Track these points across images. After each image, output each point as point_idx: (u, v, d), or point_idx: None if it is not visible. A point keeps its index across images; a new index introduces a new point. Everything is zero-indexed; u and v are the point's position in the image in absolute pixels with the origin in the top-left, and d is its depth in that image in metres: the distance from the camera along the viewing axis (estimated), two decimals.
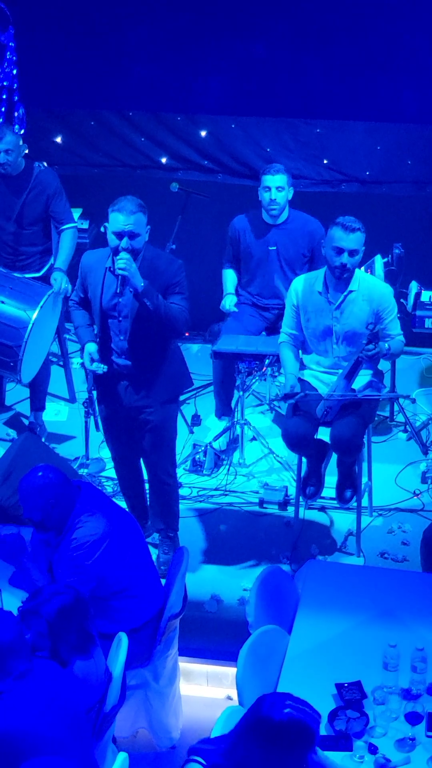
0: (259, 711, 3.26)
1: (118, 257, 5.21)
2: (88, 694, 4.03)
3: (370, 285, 5.70)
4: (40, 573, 4.60)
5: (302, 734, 3.24)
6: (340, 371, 5.66)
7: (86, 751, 3.78)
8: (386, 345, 5.58)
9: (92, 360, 5.45)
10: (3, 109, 7.36)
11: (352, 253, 5.52)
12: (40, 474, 4.55)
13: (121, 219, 5.21)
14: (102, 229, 5.33)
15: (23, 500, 4.55)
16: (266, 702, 3.27)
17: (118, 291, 5.27)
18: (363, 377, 5.74)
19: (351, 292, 5.65)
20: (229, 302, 6.79)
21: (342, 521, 6.23)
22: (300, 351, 5.90)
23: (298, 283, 5.81)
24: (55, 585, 4.20)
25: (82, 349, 5.54)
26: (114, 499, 5.23)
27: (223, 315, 6.93)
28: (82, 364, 5.63)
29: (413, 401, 7.22)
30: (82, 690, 3.92)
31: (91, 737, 3.91)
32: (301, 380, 5.81)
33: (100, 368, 5.44)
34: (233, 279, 6.88)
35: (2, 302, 6.29)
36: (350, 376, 5.59)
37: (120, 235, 5.21)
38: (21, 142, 6.59)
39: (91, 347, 5.47)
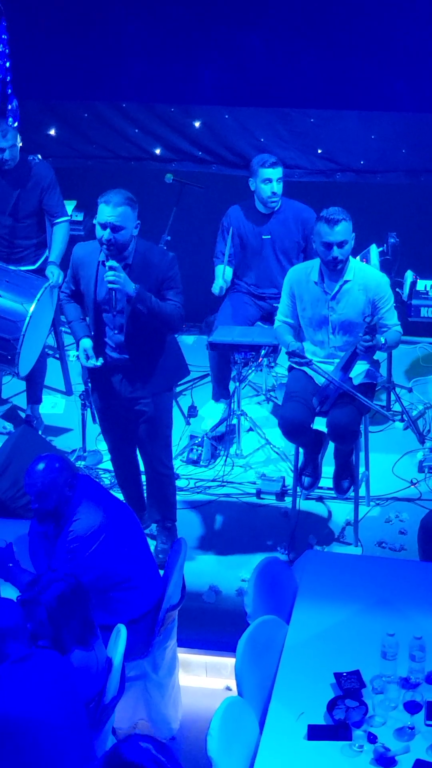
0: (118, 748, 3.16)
1: (105, 274, 5.19)
2: (88, 685, 4.04)
3: (366, 274, 5.70)
4: (37, 570, 4.61)
5: None
6: (337, 361, 5.66)
7: (85, 742, 3.78)
8: (382, 339, 5.58)
9: (87, 357, 5.44)
10: None
11: (340, 244, 5.52)
12: (47, 462, 4.57)
13: (106, 211, 5.20)
14: (94, 221, 5.33)
15: (34, 489, 4.54)
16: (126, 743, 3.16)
17: (106, 308, 5.29)
18: (359, 366, 5.75)
19: (346, 282, 5.65)
20: (217, 288, 6.75)
21: (339, 511, 6.24)
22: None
23: (294, 272, 5.81)
24: (53, 573, 4.20)
25: (77, 344, 5.53)
26: (111, 491, 5.24)
27: (218, 306, 6.93)
28: (78, 357, 5.63)
29: (410, 391, 7.23)
30: (82, 680, 3.93)
31: (90, 728, 3.92)
32: (295, 369, 5.83)
33: (96, 364, 5.43)
34: (225, 272, 6.83)
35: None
36: (347, 367, 5.59)
37: (104, 226, 5.21)
38: (18, 137, 6.59)
39: (86, 343, 5.45)
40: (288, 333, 5.82)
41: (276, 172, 6.63)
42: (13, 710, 3.62)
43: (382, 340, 5.57)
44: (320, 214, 5.58)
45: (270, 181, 6.62)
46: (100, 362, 5.43)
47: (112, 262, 5.18)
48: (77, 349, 5.51)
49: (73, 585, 4.09)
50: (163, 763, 2.97)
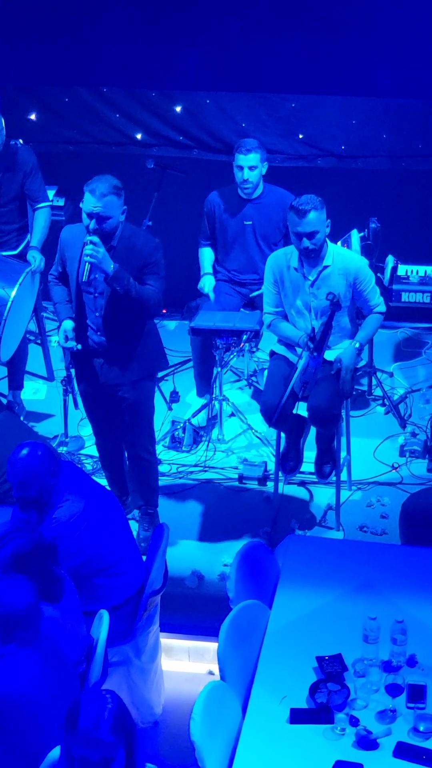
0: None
1: (85, 246, 5.19)
2: (74, 643, 4.04)
3: (345, 258, 5.72)
4: None
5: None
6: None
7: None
8: (357, 343, 5.67)
9: (66, 338, 5.45)
10: None
11: (310, 235, 5.53)
12: (31, 449, 4.54)
13: (91, 200, 5.20)
14: (81, 205, 5.32)
15: (16, 477, 4.53)
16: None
17: (83, 279, 5.27)
18: (339, 350, 5.76)
19: (326, 267, 5.66)
20: (207, 285, 6.77)
21: (321, 495, 6.26)
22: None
23: (274, 258, 5.81)
24: (10, 532, 4.20)
25: (59, 326, 5.53)
26: (94, 477, 5.24)
27: (200, 292, 6.92)
28: (59, 342, 5.62)
29: (391, 375, 7.26)
30: (69, 641, 3.93)
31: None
32: (276, 355, 5.84)
33: (75, 346, 5.43)
34: (210, 257, 6.87)
35: None
36: (320, 348, 5.59)
37: (90, 216, 5.21)
38: (2, 121, 6.55)
39: (68, 324, 5.47)
40: (288, 326, 5.82)
41: (247, 160, 6.59)
42: (16, 690, 3.65)
43: (349, 352, 5.63)
44: (291, 203, 5.58)
45: (242, 168, 6.61)
46: (79, 346, 5.43)
47: (93, 237, 5.18)
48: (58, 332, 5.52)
49: (33, 542, 4.08)
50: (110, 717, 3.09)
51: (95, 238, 5.18)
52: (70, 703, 3.27)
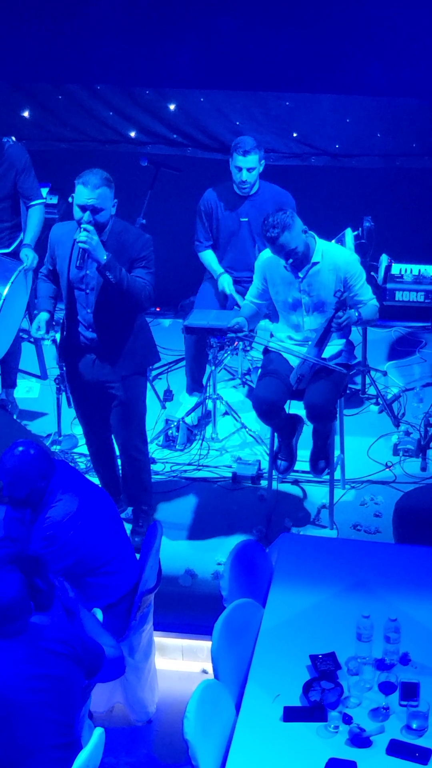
0: None
1: (79, 231, 5.20)
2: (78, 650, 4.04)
3: (334, 254, 5.72)
4: None
5: None
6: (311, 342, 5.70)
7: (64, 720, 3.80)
8: (355, 313, 5.61)
9: (38, 328, 5.47)
10: None
11: (288, 254, 5.56)
12: (23, 449, 4.53)
13: (85, 192, 5.20)
14: (70, 200, 5.33)
15: (6, 476, 4.52)
16: None
17: (78, 265, 5.27)
18: (334, 347, 5.77)
19: (315, 264, 5.66)
20: (227, 284, 6.74)
21: (315, 494, 6.26)
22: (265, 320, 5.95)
23: (265, 255, 5.81)
24: None
25: (33, 317, 5.56)
26: (87, 476, 5.24)
27: (194, 290, 6.91)
28: (54, 341, 5.62)
29: (385, 374, 7.25)
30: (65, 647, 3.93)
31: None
32: (270, 352, 5.85)
33: (45, 337, 5.48)
34: (215, 258, 6.84)
35: None
36: (321, 343, 5.62)
37: (83, 209, 5.21)
38: None
39: (43, 316, 5.53)
40: (247, 311, 5.86)
41: (246, 162, 6.58)
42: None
43: (355, 315, 5.60)
44: (263, 231, 5.59)
45: (240, 169, 6.61)
46: (49, 338, 5.50)
47: (86, 225, 5.18)
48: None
49: (16, 554, 4.06)
50: None
51: (89, 226, 5.18)
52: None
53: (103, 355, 5.48)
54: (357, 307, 5.66)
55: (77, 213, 5.24)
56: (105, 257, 5.20)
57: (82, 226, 5.21)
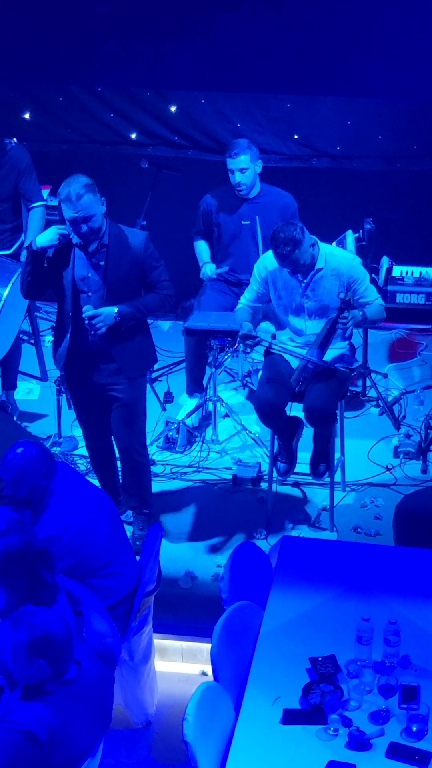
0: None
1: (86, 324, 5.29)
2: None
3: (337, 259, 5.71)
4: None
5: None
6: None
7: None
8: (360, 312, 5.60)
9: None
10: None
11: (297, 268, 5.56)
12: (25, 448, 4.54)
13: (70, 207, 5.21)
14: (65, 215, 5.33)
15: (8, 474, 4.52)
16: None
17: (83, 289, 5.33)
18: (336, 350, 5.76)
19: (318, 270, 5.65)
20: (209, 269, 6.77)
21: (315, 496, 6.25)
22: (267, 325, 5.94)
23: (268, 259, 5.80)
24: (3, 531, 4.19)
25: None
26: (87, 477, 5.23)
27: (195, 292, 6.91)
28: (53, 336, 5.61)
29: (385, 376, 7.25)
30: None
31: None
32: (271, 354, 5.84)
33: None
34: (206, 249, 6.87)
35: None
36: (324, 344, 5.62)
37: (74, 222, 5.21)
38: None
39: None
40: (246, 315, 5.85)
41: (236, 163, 6.57)
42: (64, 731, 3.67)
43: (360, 314, 5.59)
44: (272, 248, 5.57)
45: (232, 172, 6.61)
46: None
47: (87, 312, 5.29)
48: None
49: (24, 543, 4.06)
50: None
51: (88, 312, 5.29)
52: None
53: (105, 357, 5.49)
54: (363, 308, 5.66)
55: (71, 228, 5.25)
56: (115, 314, 5.29)
57: (84, 316, 5.29)
